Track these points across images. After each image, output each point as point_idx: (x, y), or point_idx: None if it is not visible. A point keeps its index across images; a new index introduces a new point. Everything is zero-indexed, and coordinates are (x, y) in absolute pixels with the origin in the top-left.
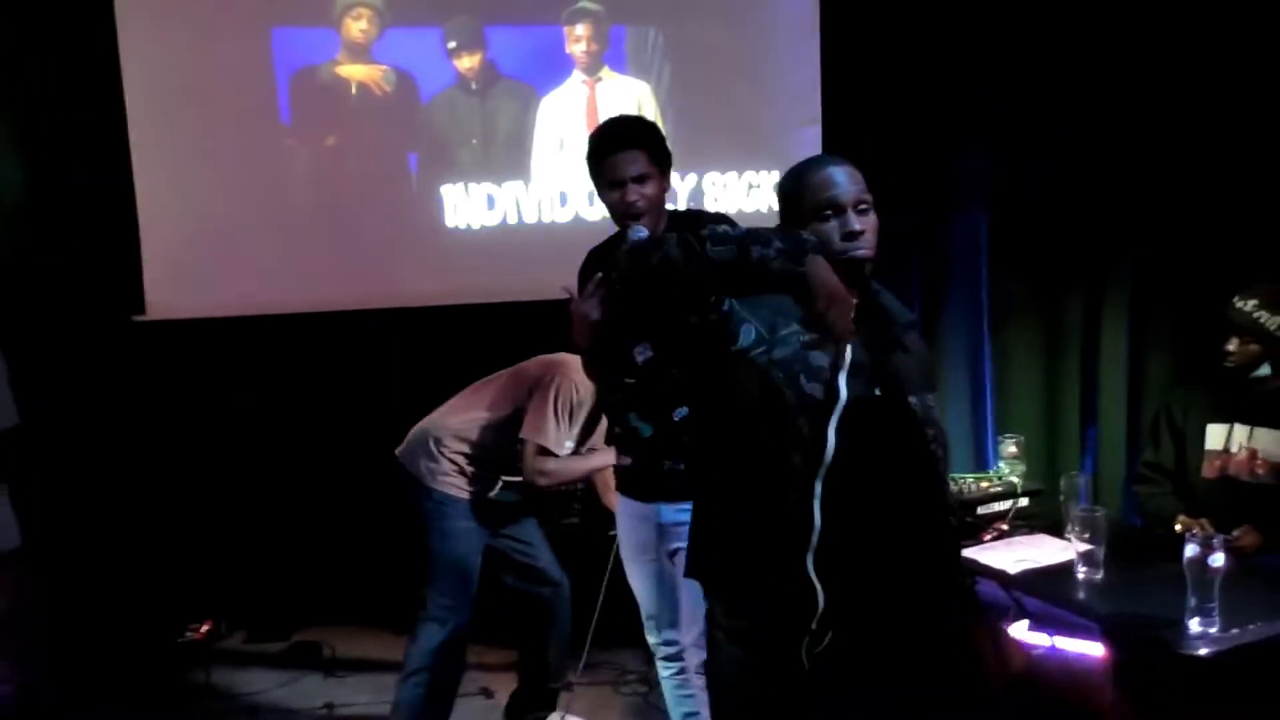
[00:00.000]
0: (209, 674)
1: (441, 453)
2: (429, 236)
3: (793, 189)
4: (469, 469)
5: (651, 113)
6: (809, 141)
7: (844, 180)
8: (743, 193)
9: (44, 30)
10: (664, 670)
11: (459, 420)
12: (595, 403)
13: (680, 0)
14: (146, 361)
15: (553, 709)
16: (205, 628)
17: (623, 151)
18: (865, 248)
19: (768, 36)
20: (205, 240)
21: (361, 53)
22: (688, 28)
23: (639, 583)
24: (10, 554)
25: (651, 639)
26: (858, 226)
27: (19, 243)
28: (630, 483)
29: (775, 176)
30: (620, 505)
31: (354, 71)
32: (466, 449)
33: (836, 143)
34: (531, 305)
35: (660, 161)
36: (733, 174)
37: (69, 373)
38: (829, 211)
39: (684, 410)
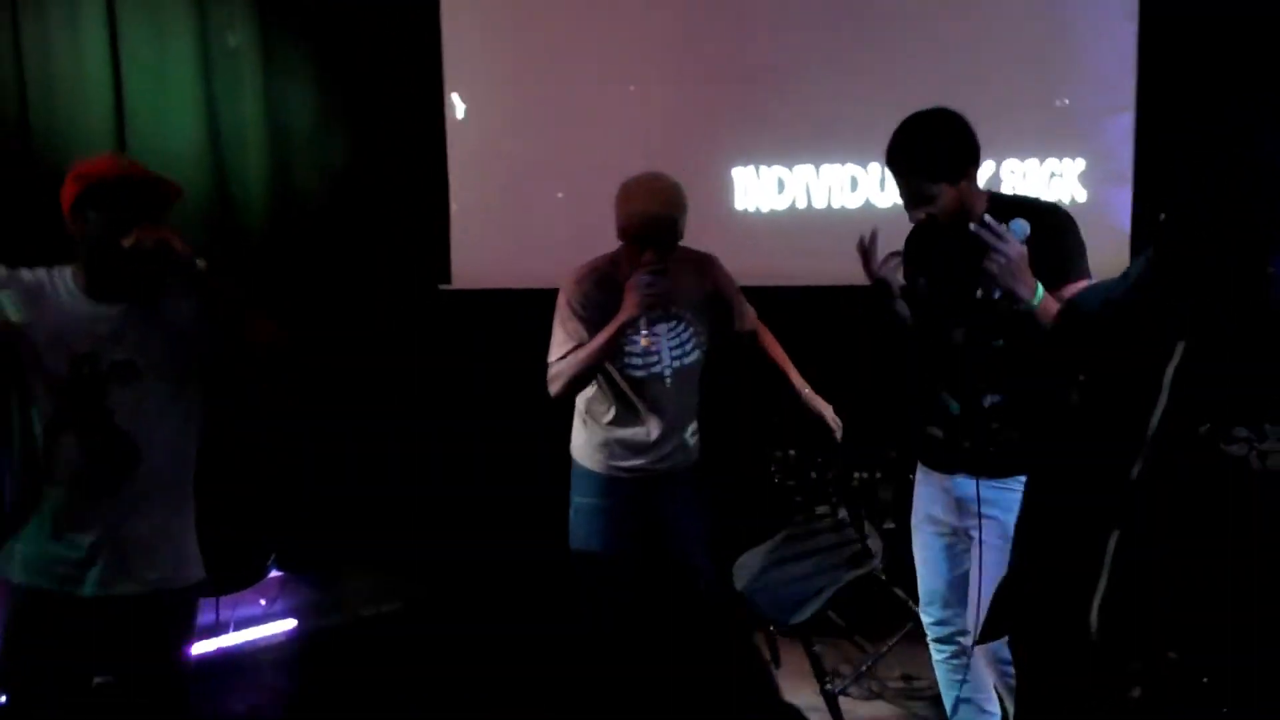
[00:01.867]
0: None
1: None
2: (721, 218)
3: None
4: None
5: None
6: (1121, 130)
7: None
8: (1044, 181)
9: (369, 9)
10: (938, 652)
11: None
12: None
13: None
14: (452, 329)
15: None
16: None
17: (896, 177)
18: None
19: (1077, 17)
20: (509, 214)
21: None
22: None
23: (924, 554)
24: None
25: (927, 617)
26: None
27: (339, 209)
28: (932, 453)
29: (1080, 165)
30: (919, 474)
31: None
32: None
33: (1151, 134)
34: (820, 290)
35: (941, 176)
36: (1034, 161)
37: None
38: None
39: (996, 397)
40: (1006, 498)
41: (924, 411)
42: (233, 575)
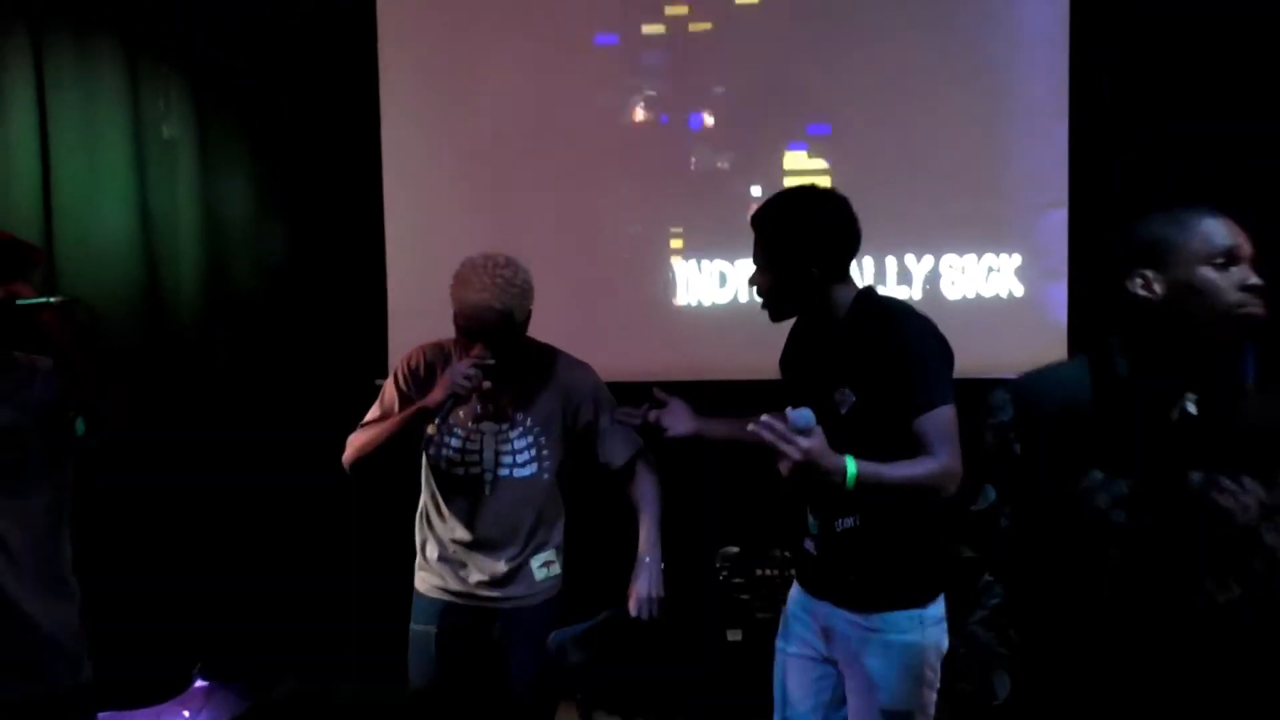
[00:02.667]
0: None
1: None
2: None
3: (1173, 234)
4: None
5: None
6: (1055, 225)
7: (1241, 233)
8: (982, 276)
9: (308, 101)
10: None
11: None
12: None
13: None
14: None
15: None
16: None
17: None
18: (1263, 306)
19: (1010, 117)
20: (447, 308)
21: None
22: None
23: (779, 671)
24: None
25: None
26: (1258, 281)
27: (275, 302)
28: (803, 569)
29: (1016, 260)
30: (793, 588)
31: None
32: None
33: (1084, 228)
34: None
35: (768, 253)
36: (971, 256)
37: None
38: (1223, 260)
39: (849, 520)
40: (871, 639)
41: (801, 523)
42: (149, 684)
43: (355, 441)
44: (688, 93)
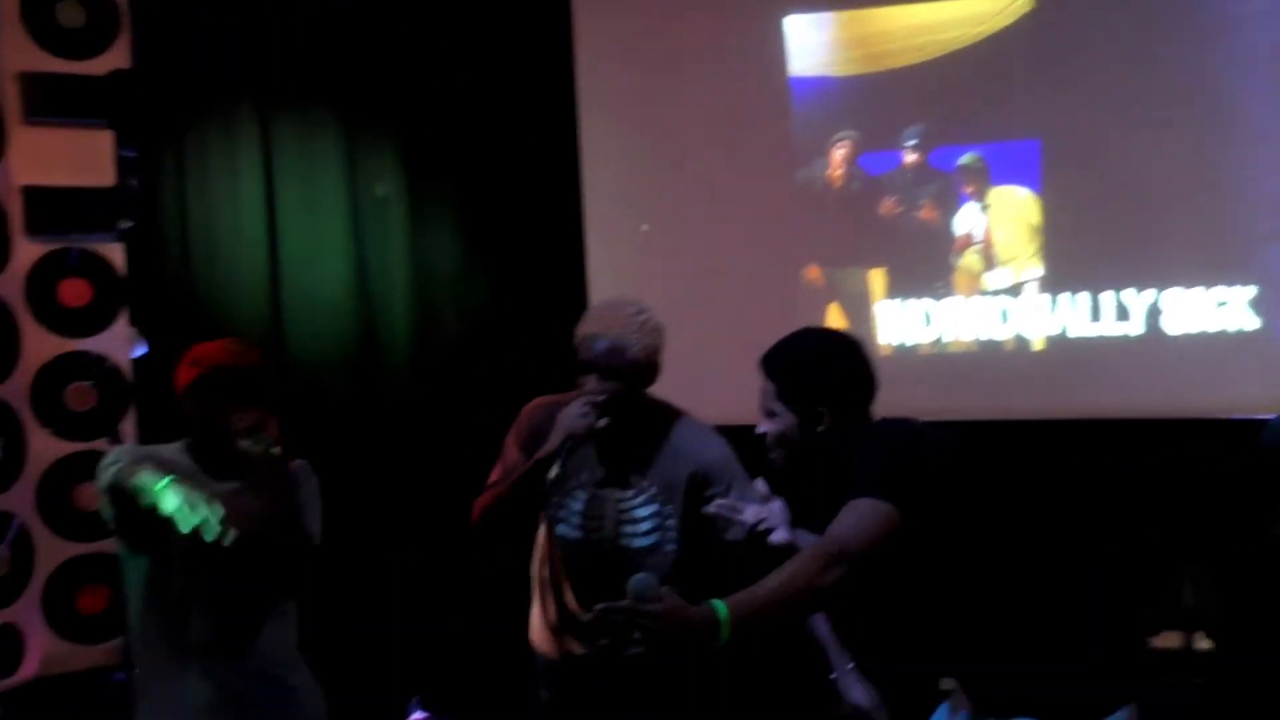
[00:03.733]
0: None
1: None
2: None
3: None
4: None
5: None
6: None
7: None
8: (1210, 309)
9: (511, 156)
10: None
11: None
12: None
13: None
14: None
15: None
16: None
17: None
18: None
19: (1238, 143)
20: None
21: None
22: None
23: None
24: None
25: None
26: None
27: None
28: None
29: (1250, 292)
30: None
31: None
32: None
33: None
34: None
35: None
36: (1199, 288)
37: None
38: None
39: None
40: None
41: None
42: (370, 715)
43: (481, 503)
44: (891, 129)
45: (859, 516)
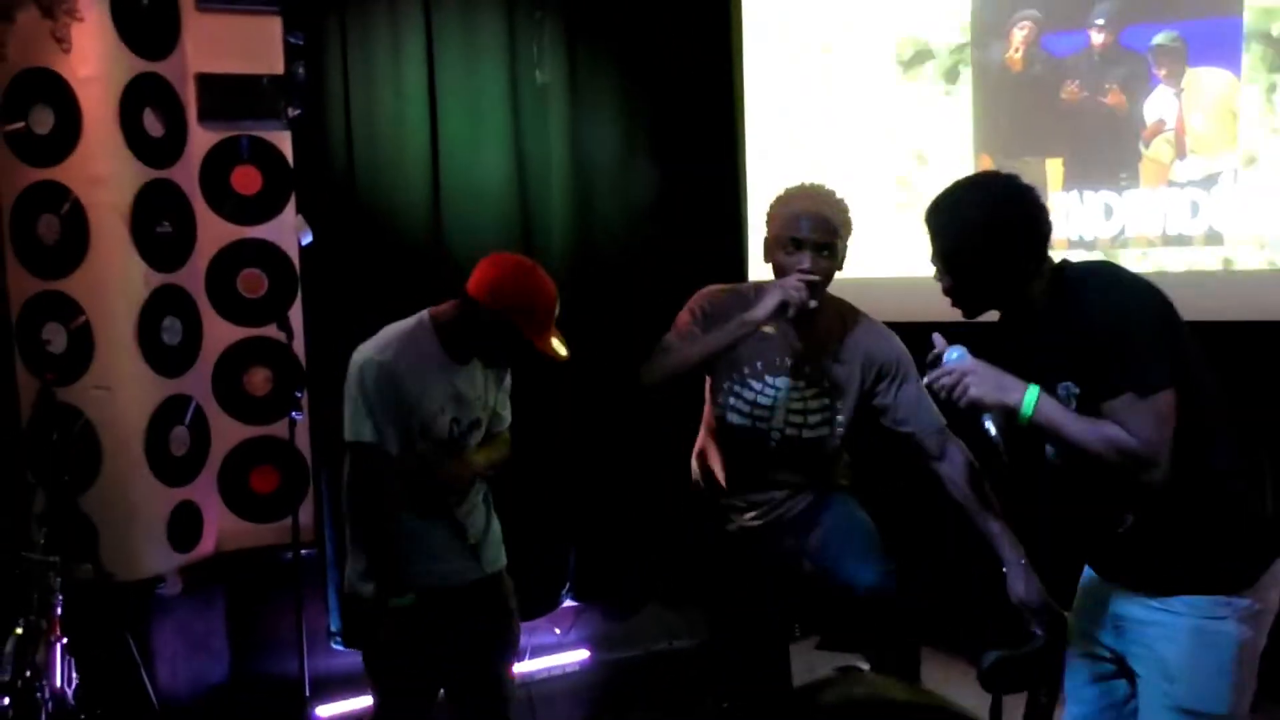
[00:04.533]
0: None
1: None
2: None
3: None
4: None
5: None
6: None
7: None
8: None
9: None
10: None
11: None
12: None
13: None
14: None
15: None
16: None
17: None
18: None
19: None
20: None
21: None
22: None
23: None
24: None
25: None
26: None
27: (638, 241)
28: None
29: None
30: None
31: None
32: None
33: None
34: None
35: (948, 257)
36: None
37: None
38: None
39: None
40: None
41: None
42: (530, 603)
43: (663, 361)
44: (1079, 6)
45: (1157, 423)
